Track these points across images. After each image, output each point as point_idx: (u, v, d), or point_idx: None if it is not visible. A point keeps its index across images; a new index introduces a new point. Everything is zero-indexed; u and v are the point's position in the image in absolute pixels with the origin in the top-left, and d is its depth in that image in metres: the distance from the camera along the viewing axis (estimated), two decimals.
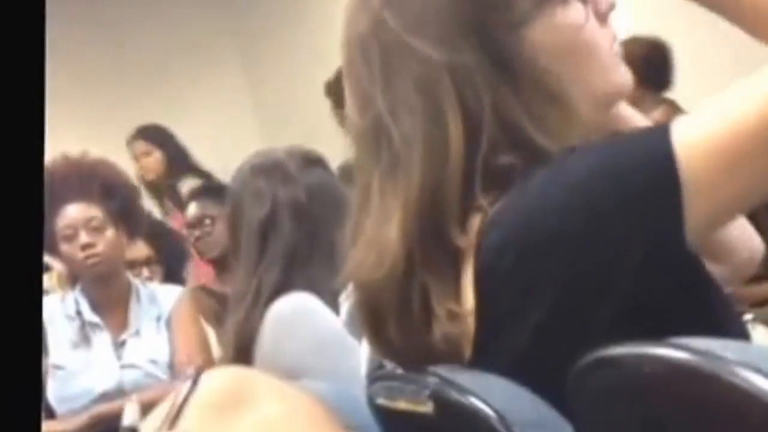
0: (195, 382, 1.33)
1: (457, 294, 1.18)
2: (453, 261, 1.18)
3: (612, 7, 1.27)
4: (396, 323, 1.22)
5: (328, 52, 6.48)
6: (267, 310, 2.18)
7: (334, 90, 5.36)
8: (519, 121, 1.17)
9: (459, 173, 1.16)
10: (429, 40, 1.19)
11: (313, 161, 2.32)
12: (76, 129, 5.54)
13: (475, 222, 1.16)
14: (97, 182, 3.32)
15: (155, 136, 5.56)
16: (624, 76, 1.28)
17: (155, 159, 5.56)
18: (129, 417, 1.44)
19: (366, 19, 1.25)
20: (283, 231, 2.22)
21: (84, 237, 3.22)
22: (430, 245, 1.18)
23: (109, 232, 3.27)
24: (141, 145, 5.57)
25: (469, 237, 1.16)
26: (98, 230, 3.25)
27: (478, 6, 1.20)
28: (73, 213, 3.25)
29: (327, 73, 6.08)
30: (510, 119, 1.17)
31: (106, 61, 6.13)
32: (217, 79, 6.28)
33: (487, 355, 1.16)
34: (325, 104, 5.99)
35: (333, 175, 2.36)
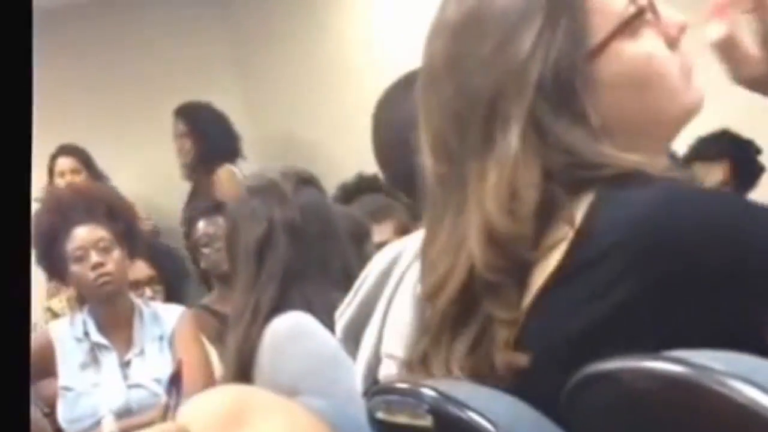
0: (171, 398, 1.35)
1: (516, 304, 1.18)
2: (518, 281, 1.18)
3: (683, 30, 1.27)
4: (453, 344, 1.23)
5: (326, 74, 6.51)
6: (265, 327, 2.21)
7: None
8: (587, 148, 1.18)
9: (530, 202, 1.17)
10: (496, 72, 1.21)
11: (306, 181, 2.34)
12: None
13: (558, 228, 1.16)
14: (103, 204, 3.38)
15: (81, 156, 5.54)
16: (693, 95, 1.26)
17: (84, 178, 5.53)
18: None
19: (441, 52, 1.27)
20: (279, 250, 2.25)
21: (94, 257, 3.27)
22: (499, 271, 1.18)
23: (116, 252, 3.32)
24: (69, 162, 5.48)
25: (546, 243, 1.16)
26: (107, 250, 3.29)
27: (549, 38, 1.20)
28: (82, 234, 3.30)
29: (326, 96, 6.10)
30: (577, 148, 1.18)
31: (99, 84, 6.10)
32: (215, 104, 6.28)
33: (527, 342, 1.16)
34: (324, 127, 6.02)
35: (325, 194, 2.38)
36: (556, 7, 1.21)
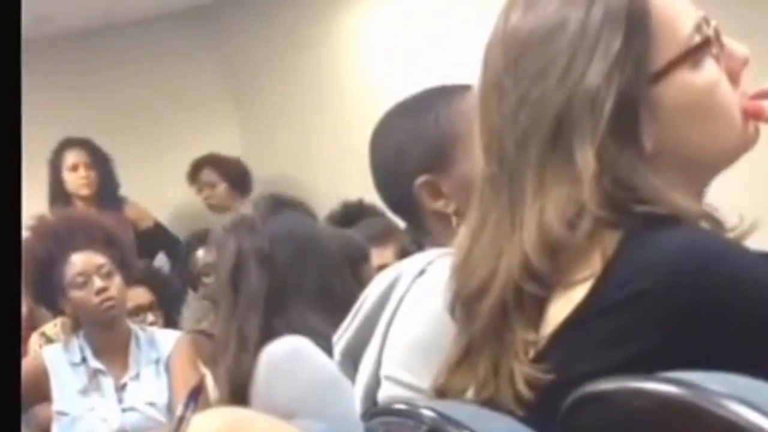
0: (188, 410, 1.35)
1: (537, 328, 1.19)
2: (542, 299, 1.19)
3: (746, 65, 1.26)
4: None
5: (323, 103, 6.53)
6: (258, 354, 2.22)
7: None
8: (640, 181, 1.17)
9: (593, 219, 1.16)
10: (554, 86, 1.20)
11: (282, 206, 2.36)
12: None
13: (588, 260, 1.16)
14: (101, 232, 3.39)
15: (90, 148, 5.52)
16: (749, 130, 1.25)
17: (95, 174, 5.51)
18: None
19: (503, 57, 1.25)
20: (250, 278, 2.30)
21: (98, 282, 3.29)
22: (541, 280, 1.18)
23: (117, 278, 3.34)
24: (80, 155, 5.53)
25: (573, 277, 1.16)
26: (109, 276, 3.31)
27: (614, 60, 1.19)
28: (83, 260, 3.33)
29: (322, 125, 6.11)
30: (628, 179, 1.17)
31: (91, 117, 6.09)
32: (210, 135, 6.28)
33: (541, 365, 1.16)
34: (318, 156, 6.03)
35: (306, 218, 2.38)
36: (633, 31, 1.20)
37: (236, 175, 5.70)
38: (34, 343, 4.10)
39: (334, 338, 1.77)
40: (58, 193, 5.42)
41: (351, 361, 1.74)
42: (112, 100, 6.29)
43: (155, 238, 5.47)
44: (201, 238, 4.48)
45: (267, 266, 2.31)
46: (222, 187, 5.66)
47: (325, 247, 2.32)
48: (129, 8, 6.22)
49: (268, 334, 2.25)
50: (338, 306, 2.12)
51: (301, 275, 2.28)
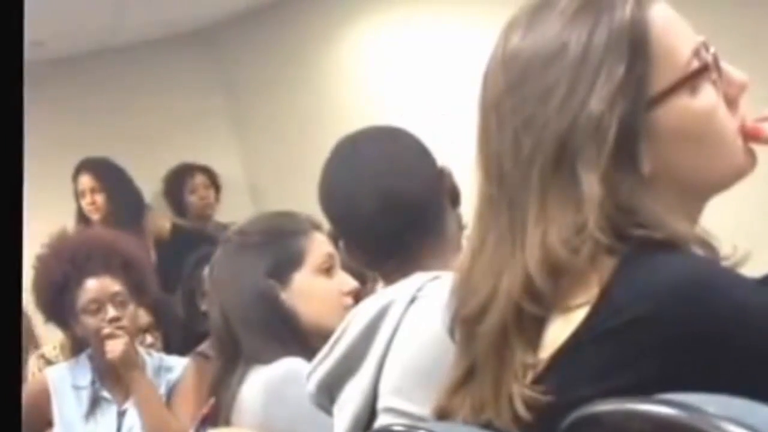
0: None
1: (535, 349, 1.19)
2: (541, 320, 1.19)
3: (743, 90, 1.27)
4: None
5: (324, 126, 6.55)
6: (241, 374, 2.23)
7: None
8: (639, 205, 1.17)
9: (594, 243, 1.16)
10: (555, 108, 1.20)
11: (237, 251, 2.37)
12: (56, 208, 5.52)
13: (587, 284, 1.16)
14: (119, 257, 3.34)
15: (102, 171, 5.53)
16: (746, 157, 1.26)
17: (104, 197, 5.51)
18: None
19: (503, 79, 1.25)
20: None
21: (111, 311, 3.24)
22: (543, 301, 1.18)
23: (131, 307, 3.30)
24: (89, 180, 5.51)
25: (570, 302, 1.17)
26: (123, 304, 3.27)
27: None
28: (99, 287, 3.27)
29: (323, 148, 6.10)
30: (628, 203, 1.17)
31: (92, 140, 6.10)
32: (211, 158, 6.28)
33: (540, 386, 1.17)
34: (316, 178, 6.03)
35: (245, 262, 2.35)
36: (635, 56, 1.20)
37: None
38: (32, 365, 4.09)
39: (307, 370, 1.75)
40: (81, 215, 5.45)
41: (327, 392, 1.72)
42: (112, 123, 6.30)
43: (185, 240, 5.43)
44: (207, 257, 4.45)
45: (211, 306, 2.41)
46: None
47: (245, 289, 2.30)
48: (128, 32, 6.24)
49: (241, 359, 2.28)
50: (261, 333, 2.23)
51: (229, 315, 2.31)
